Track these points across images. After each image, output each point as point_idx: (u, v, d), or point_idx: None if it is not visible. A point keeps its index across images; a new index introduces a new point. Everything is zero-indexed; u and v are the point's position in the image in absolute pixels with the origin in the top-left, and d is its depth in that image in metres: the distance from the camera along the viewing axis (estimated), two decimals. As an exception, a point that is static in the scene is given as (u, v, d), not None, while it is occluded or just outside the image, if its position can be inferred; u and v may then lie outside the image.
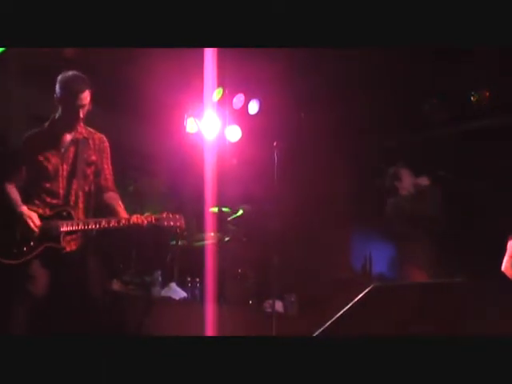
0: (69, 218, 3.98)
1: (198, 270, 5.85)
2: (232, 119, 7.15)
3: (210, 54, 6.04)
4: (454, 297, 2.94)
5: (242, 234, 6.44)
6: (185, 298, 5.73)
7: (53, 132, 4.10)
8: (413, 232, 5.77)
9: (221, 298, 5.69)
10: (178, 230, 4.77)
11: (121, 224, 4.02)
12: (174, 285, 5.76)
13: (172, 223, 4.11)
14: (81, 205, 4.07)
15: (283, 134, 6.48)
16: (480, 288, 3.00)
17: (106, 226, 4.00)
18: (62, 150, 4.08)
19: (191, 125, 6.99)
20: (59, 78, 4.03)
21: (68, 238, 3.99)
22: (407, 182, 5.97)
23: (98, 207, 4.17)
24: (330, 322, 2.92)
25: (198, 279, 5.88)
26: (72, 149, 4.09)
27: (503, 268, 4.59)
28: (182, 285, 5.85)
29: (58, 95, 4.02)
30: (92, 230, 4.03)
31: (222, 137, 7.09)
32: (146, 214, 4.10)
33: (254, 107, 7.09)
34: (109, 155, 4.23)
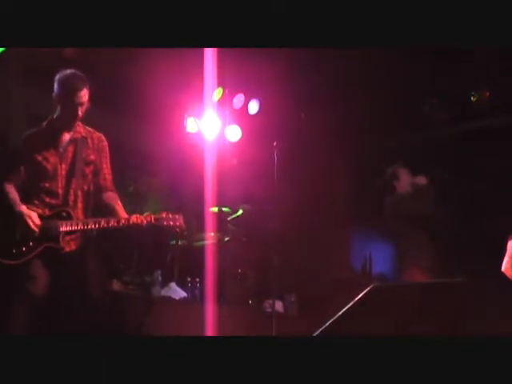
0: (68, 218, 3.98)
1: (197, 270, 5.85)
2: (232, 119, 7.15)
3: (209, 54, 6.04)
4: (454, 297, 2.94)
5: (241, 233, 6.44)
6: (185, 297, 5.74)
7: (51, 131, 4.09)
8: (411, 231, 5.77)
9: (221, 298, 5.69)
10: (177, 230, 4.76)
11: (120, 224, 4.02)
12: (173, 285, 5.77)
13: (171, 223, 4.11)
14: (80, 204, 4.06)
15: (283, 133, 6.48)
16: (480, 288, 3.00)
17: (106, 225, 3.99)
18: (61, 150, 4.07)
19: (191, 125, 7.00)
20: (57, 76, 4.03)
21: (67, 238, 3.99)
22: (405, 181, 5.97)
23: (97, 207, 4.17)
24: (329, 322, 2.92)
25: (197, 279, 5.88)
26: (71, 148, 4.09)
27: (503, 268, 4.59)
28: (182, 285, 5.85)
29: (57, 94, 4.02)
30: (91, 229, 4.03)
31: (222, 137, 7.09)
32: (146, 214, 4.10)
33: (253, 107, 7.09)
34: (108, 154, 4.22)
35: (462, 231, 6.31)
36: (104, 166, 4.20)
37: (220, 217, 6.40)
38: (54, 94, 4.04)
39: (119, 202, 4.17)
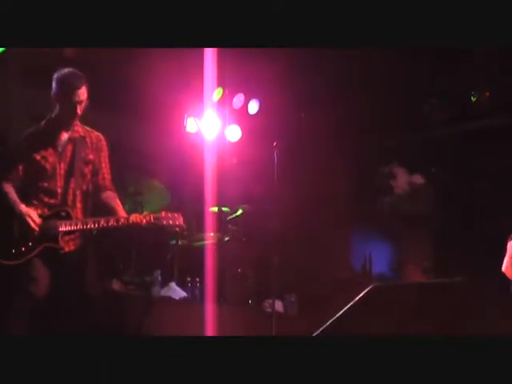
0: (67, 217, 3.96)
1: (197, 270, 5.85)
2: (232, 119, 7.15)
3: (210, 54, 6.04)
4: (454, 297, 2.95)
5: (241, 233, 6.43)
6: (185, 297, 5.73)
7: (50, 131, 4.08)
8: (410, 231, 5.77)
9: (221, 297, 5.69)
10: (177, 229, 4.75)
11: (120, 223, 4.00)
12: (173, 284, 5.76)
13: (171, 222, 4.10)
14: (79, 204, 4.05)
15: (283, 133, 6.48)
16: (480, 288, 3.01)
17: (105, 225, 3.98)
18: (60, 149, 4.06)
19: (191, 125, 6.99)
20: (55, 75, 4.03)
21: (66, 237, 3.98)
22: (402, 180, 5.97)
23: (96, 206, 4.15)
24: (329, 322, 2.92)
25: (197, 279, 5.88)
26: (69, 147, 4.07)
27: (503, 268, 4.59)
28: (182, 284, 5.85)
29: (55, 92, 4.01)
30: (91, 229, 4.02)
31: (221, 137, 7.09)
32: (145, 213, 4.10)
33: (253, 107, 7.09)
34: (106, 154, 4.21)
35: (462, 231, 6.32)
36: (103, 165, 4.18)
37: (220, 217, 6.40)
38: (52, 93, 4.02)
39: (118, 202, 4.16)
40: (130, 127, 6.93)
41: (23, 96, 5.86)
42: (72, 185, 4.03)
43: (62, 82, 3.99)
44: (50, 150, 4.04)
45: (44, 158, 4.02)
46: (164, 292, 5.70)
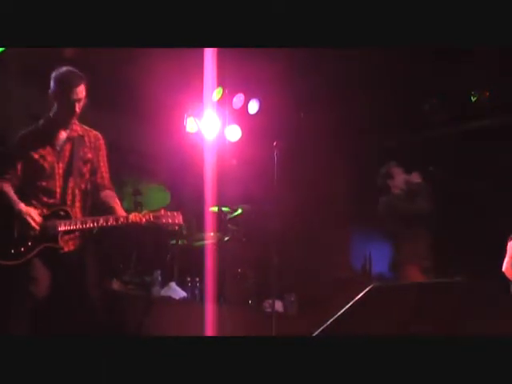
0: (66, 217, 3.95)
1: (197, 270, 5.85)
2: (232, 119, 7.15)
3: (209, 54, 6.04)
4: (454, 297, 2.95)
5: (241, 233, 6.43)
6: (185, 297, 5.73)
7: (48, 130, 4.07)
8: (409, 231, 5.76)
9: (221, 297, 5.69)
10: (176, 228, 4.74)
11: (119, 222, 3.99)
12: (173, 284, 5.76)
13: (170, 220, 4.09)
14: (78, 203, 4.04)
15: (283, 133, 6.48)
16: (480, 288, 3.01)
17: (104, 224, 3.97)
18: (58, 148, 4.05)
19: (191, 125, 6.99)
20: (53, 74, 4.02)
21: (66, 237, 3.97)
22: (399, 180, 5.95)
23: (95, 205, 4.14)
24: (329, 322, 2.92)
25: (197, 279, 5.88)
26: (68, 147, 4.07)
27: (504, 269, 4.59)
28: (182, 284, 5.85)
29: (53, 91, 4.01)
30: (90, 228, 4.01)
31: (221, 137, 7.09)
32: (144, 212, 4.09)
33: (253, 107, 7.09)
34: (105, 153, 4.20)
35: (462, 231, 6.32)
36: (101, 164, 4.18)
37: (220, 217, 6.40)
38: (50, 92, 4.02)
39: (117, 200, 4.15)
40: (129, 127, 6.93)
41: (23, 96, 5.86)
42: (71, 184, 4.03)
43: (59, 80, 3.98)
44: (49, 149, 4.03)
45: (42, 157, 4.01)
46: (164, 292, 5.69)
